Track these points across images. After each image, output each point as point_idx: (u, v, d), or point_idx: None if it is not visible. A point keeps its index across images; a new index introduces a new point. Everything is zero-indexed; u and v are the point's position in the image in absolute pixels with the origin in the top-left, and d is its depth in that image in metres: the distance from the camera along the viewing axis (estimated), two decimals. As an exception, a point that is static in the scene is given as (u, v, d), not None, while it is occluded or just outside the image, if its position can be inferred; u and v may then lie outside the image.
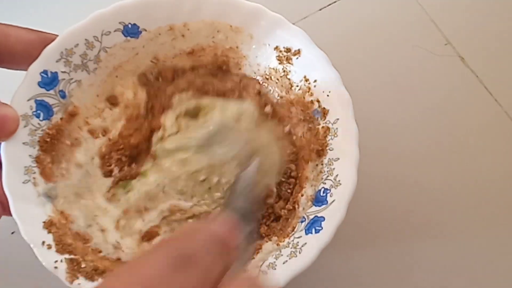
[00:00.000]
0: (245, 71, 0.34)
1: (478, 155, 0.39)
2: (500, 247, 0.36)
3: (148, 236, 0.31)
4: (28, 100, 0.29)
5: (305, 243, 0.28)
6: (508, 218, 0.37)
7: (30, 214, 0.28)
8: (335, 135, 0.30)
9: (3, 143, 0.28)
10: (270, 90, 0.34)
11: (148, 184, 0.32)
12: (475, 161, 0.39)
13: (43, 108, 0.30)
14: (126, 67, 0.33)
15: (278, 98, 0.34)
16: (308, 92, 0.32)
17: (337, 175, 0.29)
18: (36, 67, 0.29)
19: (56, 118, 0.30)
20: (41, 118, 0.29)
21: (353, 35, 0.43)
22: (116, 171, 0.32)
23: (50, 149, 0.30)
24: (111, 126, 0.33)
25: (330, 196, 0.29)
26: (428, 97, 0.41)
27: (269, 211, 0.32)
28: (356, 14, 0.44)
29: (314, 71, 0.32)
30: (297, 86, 0.33)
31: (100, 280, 0.27)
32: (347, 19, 0.44)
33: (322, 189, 0.29)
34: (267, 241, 0.30)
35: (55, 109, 0.30)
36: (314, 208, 0.29)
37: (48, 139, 0.30)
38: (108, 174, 0.32)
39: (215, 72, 0.34)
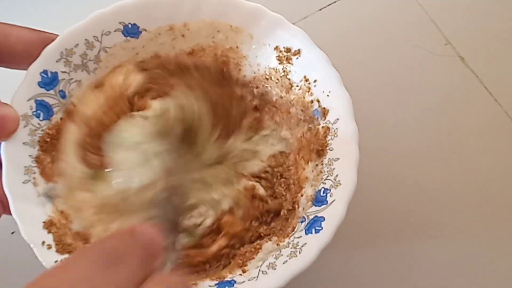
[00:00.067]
0: (245, 72, 0.34)
1: (478, 155, 0.39)
2: (500, 247, 0.36)
3: None
4: (28, 100, 0.29)
5: (305, 243, 0.28)
6: (508, 218, 0.37)
7: (30, 214, 0.28)
8: (335, 135, 0.30)
9: (3, 143, 0.28)
10: (270, 90, 0.34)
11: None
12: (475, 161, 0.39)
13: (43, 108, 0.30)
14: (126, 67, 0.33)
15: (278, 98, 0.34)
16: (308, 92, 0.32)
17: (337, 175, 0.29)
18: (36, 67, 0.29)
19: (56, 118, 0.30)
20: (41, 118, 0.29)
21: (353, 35, 0.43)
22: (90, 158, 0.32)
23: (50, 149, 0.30)
24: (89, 109, 0.32)
25: (330, 196, 0.29)
26: (428, 97, 0.41)
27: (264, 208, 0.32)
28: (356, 14, 0.44)
29: (314, 71, 0.32)
30: (297, 86, 0.33)
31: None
32: (347, 19, 0.44)
33: (322, 189, 0.29)
34: (267, 241, 0.30)
35: (55, 109, 0.30)
36: (314, 208, 0.29)
37: (48, 139, 0.30)
38: (83, 162, 0.32)
39: (217, 79, 0.34)
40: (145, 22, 0.32)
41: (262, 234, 0.31)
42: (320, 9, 0.44)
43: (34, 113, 0.29)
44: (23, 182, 0.28)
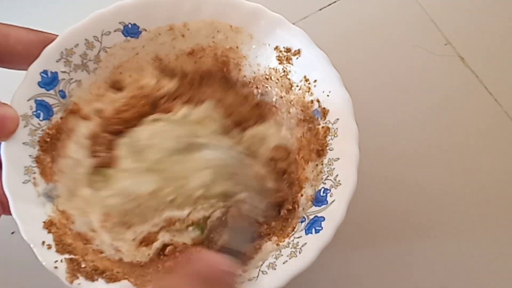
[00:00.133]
0: (245, 72, 0.34)
1: (478, 155, 0.39)
2: (500, 247, 0.36)
3: (146, 241, 0.31)
4: (28, 100, 0.29)
5: (305, 243, 0.28)
6: (508, 218, 0.37)
7: (30, 214, 0.28)
8: (335, 135, 0.30)
9: (3, 143, 0.28)
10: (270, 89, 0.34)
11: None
12: (475, 161, 0.39)
13: (43, 108, 0.30)
14: (126, 67, 0.33)
15: (278, 98, 0.34)
16: (308, 92, 0.32)
17: (337, 175, 0.29)
18: (36, 67, 0.29)
19: (56, 118, 0.30)
20: (41, 118, 0.29)
21: (353, 35, 0.43)
22: (102, 153, 0.32)
23: (50, 149, 0.30)
24: (109, 106, 0.32)
25: (330, 196, 0.29)
26: (428, 97, 0.41)
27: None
28: (356, 14, 0.44)
29: (314, 71, 0.32)
30: (297, 86, 0.33)
31: (100, 280, 0.27)
32: (347, 19, 0.44)
33: (322, 189, 0.29)
34: (267, 241, 0.30)
35: (55, 109, 0.30)
36: (314, 208, 0.29)
37: (48, 139, 0.30)
38: (94, 156, 0.31)
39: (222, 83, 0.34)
40: (145, 22, 0.32)
41: (262, 234, 0.31)
42: (320, 9, 0.44)
43: (34, 113, 0.29)
44: (23, 182, 0.28)
